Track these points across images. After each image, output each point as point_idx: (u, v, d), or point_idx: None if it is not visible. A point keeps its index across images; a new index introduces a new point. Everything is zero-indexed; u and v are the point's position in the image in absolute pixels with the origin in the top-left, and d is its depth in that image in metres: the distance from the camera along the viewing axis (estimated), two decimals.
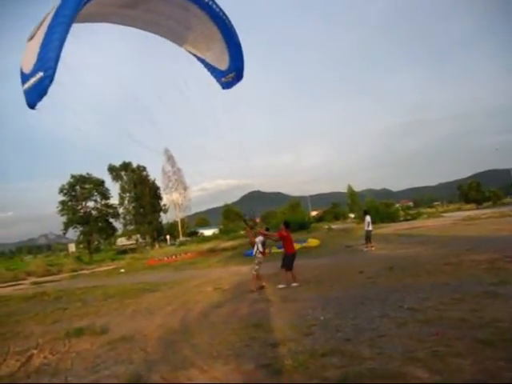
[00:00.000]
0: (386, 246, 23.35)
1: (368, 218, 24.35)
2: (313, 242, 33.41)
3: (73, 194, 75.99)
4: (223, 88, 10.95)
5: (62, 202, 75.10)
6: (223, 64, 10.48)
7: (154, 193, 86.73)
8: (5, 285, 34.08)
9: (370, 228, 23.99)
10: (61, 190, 74.87)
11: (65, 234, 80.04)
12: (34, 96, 6.31)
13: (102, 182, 78.51)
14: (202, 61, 10.76)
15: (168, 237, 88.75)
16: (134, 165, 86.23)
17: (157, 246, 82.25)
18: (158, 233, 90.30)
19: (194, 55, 10.71)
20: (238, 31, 10.11)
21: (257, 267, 14.10)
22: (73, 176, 75.42)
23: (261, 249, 14.18)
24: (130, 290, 18.57)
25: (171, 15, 9.28)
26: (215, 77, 10.82)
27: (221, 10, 9.25)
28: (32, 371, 7.63)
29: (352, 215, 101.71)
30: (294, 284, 13.72)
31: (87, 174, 76.84)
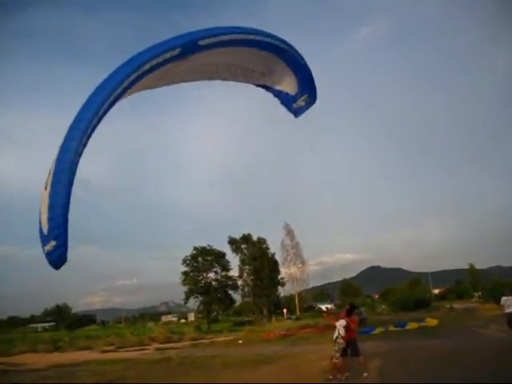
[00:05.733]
0: None
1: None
2: (431, 321, 32.61)
3: (195, 265, 78.50)
4: (296, 115, 10.46)
5: (185, 273, 77.54)
6: (292, 88, 10.12)
7: (272, 266, 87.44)
8: (131, 349, 36.26)
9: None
10: (184, 261, 77.61)
11: (186, 302, 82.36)
12: (56, 262, 6.24)
13: (223, 255, 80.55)
14: (272, 90, 10.45)
15: (285, 310, 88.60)
16: (254, 237, 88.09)
17: (274, 319, 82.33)
18: (275, 306, 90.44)
19: (263, 86, 10.41)
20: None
21: (338, 354, 12.50)
22: (195, 248, 78.28)
23: (342, 333, 12.58)
24: (248, 360, 19.24)
25: (225, 59, 9.13)
26: (286, 104, 10.44)
27: (271, 36, 8.87)
28: None
29: (477, 294, 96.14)
30: (365, 374, 12.28)
31: (208, 245, 79.48)
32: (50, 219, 6.19)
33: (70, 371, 20.23)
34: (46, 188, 6.54)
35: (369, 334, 27.29)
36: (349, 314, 13.29)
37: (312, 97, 10.25)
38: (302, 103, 10.22)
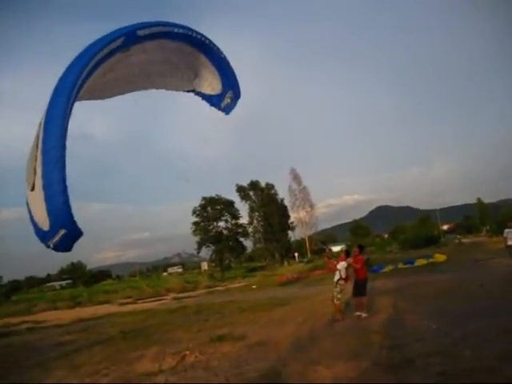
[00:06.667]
0: None
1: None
2: (439, 257, 33.23)
3: (205, 215, 79.56)
4: (226, 113, 10.44)
5: (195, 223, 79.01)
6: (217, 87, 10.06)
7: (282, 211, 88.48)
8: (149, 300, 37.52)
9: None
10: (194, 212, 78.92)
11: (198, 252, 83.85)
12: (68, 246, 5.86)
13: (231, 203, 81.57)
14: (199, 93, 10.37)
15: (296, 254, 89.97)
16: (262, 183, 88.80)
17: (285, 263, 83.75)
18: (287, 250, 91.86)
19: (191, 91, 10.37)
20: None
21: (339, 296, 12.88)
22: (204, 198, 79.35)
23: (343, 275, 12.94)
24: (263, 304, 20.05)
25: (155, 60, 8.96)
26: (214, 105, 10.35)
27: (198, 33, 8.81)
28: (188, 366, 9.35)
29: (485, 228, 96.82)
30: (364, 315, 12.71)
31: (216, 195, 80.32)
32: (50, 208, 5.62)
33: (92, 324, 21.12)
34: (33, 188, 6.02)
35: (378, 273, 27.99)
36: (348, 255, 13.60)
37: (236, 93, 10.20)
38: (229, 100, 10.16)
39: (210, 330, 13.86)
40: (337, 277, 13.00)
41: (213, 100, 10.26)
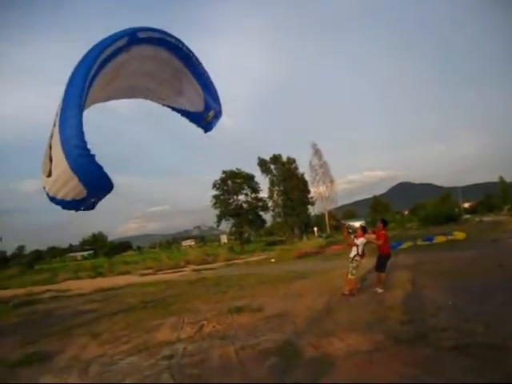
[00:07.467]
0: None
1: None
2: (459, 234, 33.13)
3: (225, 188, 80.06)
4: (206, 131, 10.36)
5: (215, 196, 79.52)
6: (199, 106, 9.91)
7: (302, 186, 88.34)
8: (169, 271, 38.20)
9: None
10: (214, 185, 79.37)
11: (218, 225, 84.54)
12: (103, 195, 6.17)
13: (251, 177, 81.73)
14: (179, 110, 10.16)
15: (316, 229, 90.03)
16: (284, 157, 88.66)
17: (305, 237, 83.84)
18: (306, 225, 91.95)
19: (170, 107, 10.12)
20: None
21: (354, 271, 12.97)
22: (224, 171, 79.62)
23: (360, 252, 13.01)
24: (281, 277, 20.34)
25: (143, 70, 8.72)
26: (195, 122, 10.26)
27: (187, 47, 8.79)
28: (205, 335, 9.63)
29: (506, 207, 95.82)
30: (380, 290, 12.76)
31: (237, 169, 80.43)
32: (88, 184, 5.82)
33: (113, 294, 21.57)
34: (49, 174, 6.18)
35: (397, 249, 27.97)
36: (365, 231, 13.80)
37: (218, 112, 10.22)
38: (209, 119, 10.14)
39: (229, 302, 14.12)
40: (353, 253, 13.09)
41: (193, 117, 10.22)
